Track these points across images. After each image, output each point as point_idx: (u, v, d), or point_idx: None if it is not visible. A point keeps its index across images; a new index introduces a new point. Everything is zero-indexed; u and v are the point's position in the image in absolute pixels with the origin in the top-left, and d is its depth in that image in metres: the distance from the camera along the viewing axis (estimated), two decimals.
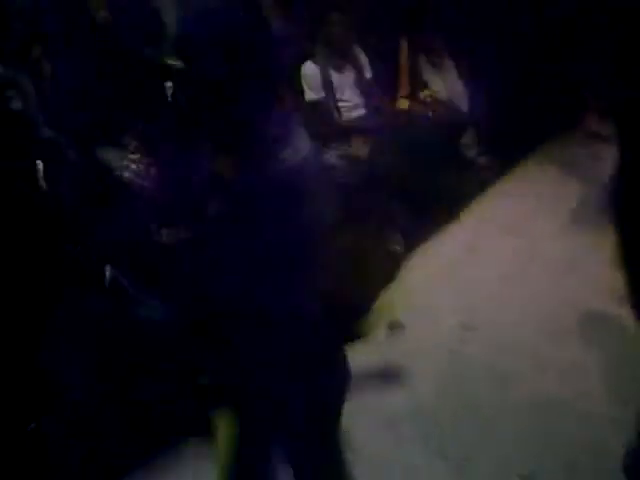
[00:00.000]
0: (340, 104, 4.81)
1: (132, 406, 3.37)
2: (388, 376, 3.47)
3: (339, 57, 4.84)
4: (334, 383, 2.09)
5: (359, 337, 3.53)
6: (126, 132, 4.10)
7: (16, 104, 3.68)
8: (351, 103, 4.85)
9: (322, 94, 4.73)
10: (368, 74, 4.96)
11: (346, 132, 4.70)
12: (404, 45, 5.25)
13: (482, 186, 5.18)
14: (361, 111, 4.88)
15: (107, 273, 3.56)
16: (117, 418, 3.37)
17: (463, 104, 5.33)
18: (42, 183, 3.66)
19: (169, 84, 4.33)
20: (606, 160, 5.01)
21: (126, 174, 3.32)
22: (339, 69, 4.83)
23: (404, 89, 5.20)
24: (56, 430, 3.30)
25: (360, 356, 3.49)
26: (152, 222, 3.03)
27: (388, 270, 4.20)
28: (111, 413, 3.37)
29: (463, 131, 5.36)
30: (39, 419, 3.28)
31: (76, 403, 3.36)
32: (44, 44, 4.45)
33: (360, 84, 4.89)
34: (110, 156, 3.61)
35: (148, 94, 4.29)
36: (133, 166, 3.30)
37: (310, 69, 4.74)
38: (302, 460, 2.25)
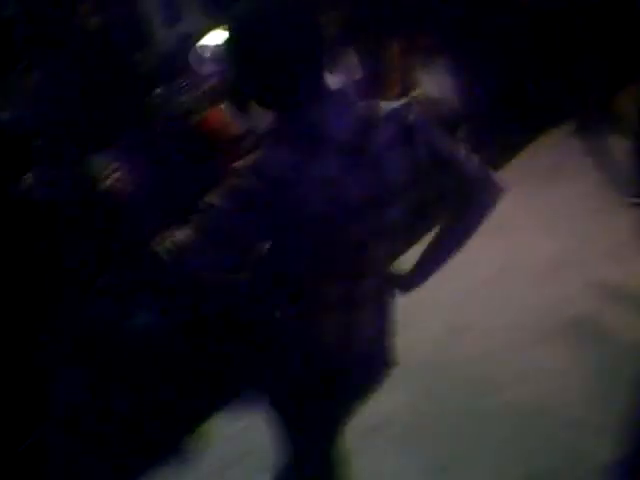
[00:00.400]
0: None
1: (127, 410, 3.42)
2: None
3: (329, 57, 4.83)
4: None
5: None
6: (112, 139, 4.15)
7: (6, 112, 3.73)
8: None
9: None
10: (359, 74, 4.95)
11: None
12: (394, 44, 5.24)
13: None
14: None
15: (103, 278, 3.61)
16: (113, 423, 3.42)
17: (454, 102, 5.32)
18: (36, 189, 3.70)
19: (157, 91, 4.38)
20: (596, 158, 5.06)
21: (110, 181, 3.33)
22: (330, 70, 4.82)
23: (395, 88, 5.19)
24: (53, 435, 3.35)
25: None
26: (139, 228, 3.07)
27: None
28: (107, 418, 3.42)
29: (455, 129, 5.35)
30: (36, 427, 3.32)
31: (72, 407, 3.40)
32: (32, 50, 4.47)
33: (351, 85, 4.88)
34: (95, 163, 3.64)
35: (136, 101, 4.34)
36: (117, 174, 3.31)
37: None
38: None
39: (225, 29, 1.94)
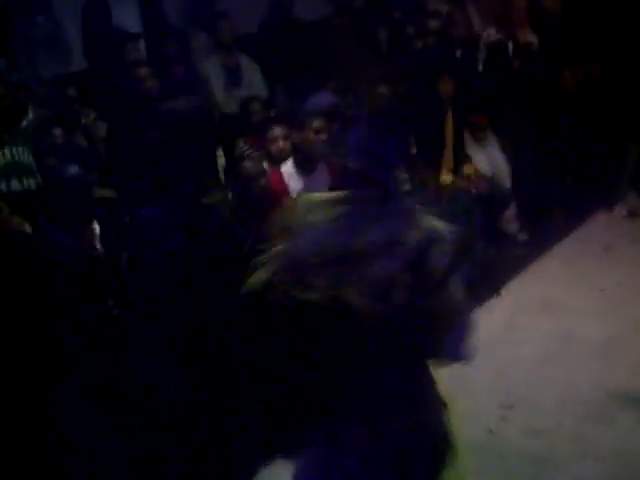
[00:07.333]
0: None
1: None
2: None
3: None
4: None
5: None
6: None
7: (73, 168, 3.84)
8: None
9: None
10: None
11: None
12: (449, 120, 5.35)
13: (523, 261, 5.21)
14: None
15: None
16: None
17: (505, 180, 5.39)
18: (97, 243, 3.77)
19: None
20: None
21: None
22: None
23: (448, 164, 5.28)
24: None
25: None
26: None
27: None
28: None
29: (505, 207, 5.41)
30: None
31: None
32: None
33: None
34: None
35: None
36: None
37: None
38: None
39: None
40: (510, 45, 6.08)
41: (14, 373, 3.04)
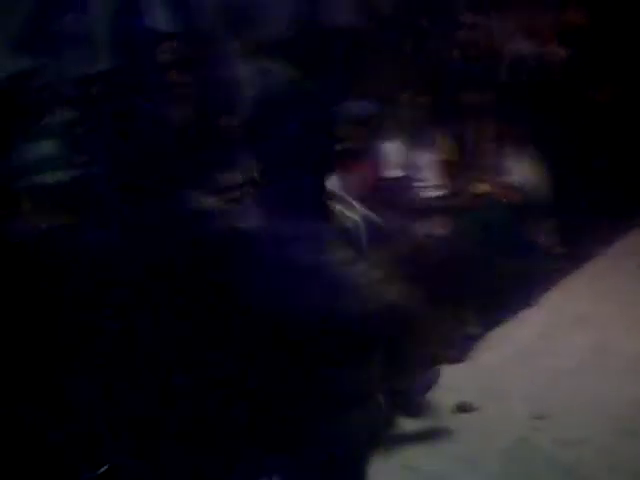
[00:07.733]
0: (420, 183, 4.90)
1: None
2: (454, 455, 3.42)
3: (420, 138, 4.97)
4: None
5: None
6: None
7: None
8: (431, 183, 4.93)
9: (403, 172, 4.84)
10: (449, 156, 5.05)
11: (426, 211, 4.76)
12: (485, 130, 5.34)
13: (557, 274, 5.17)
14: (440, 191, 4.95)
15: None
16: None
17: (541, 192, 5.36)
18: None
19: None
20: None
21: None
22: (421, 150, 4.94)
23: (483, 173, 5.27)
24: None
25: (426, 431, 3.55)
26: None
27: (463, 350, 4.24)
28: None
29: (540, 218, 5.38)
30: None
31: None
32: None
33: (441, 165, 4.99)
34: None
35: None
36: None
37: (393, 148, 4.86)
38: None
39: None
40: (539, 58, 6.07)
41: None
